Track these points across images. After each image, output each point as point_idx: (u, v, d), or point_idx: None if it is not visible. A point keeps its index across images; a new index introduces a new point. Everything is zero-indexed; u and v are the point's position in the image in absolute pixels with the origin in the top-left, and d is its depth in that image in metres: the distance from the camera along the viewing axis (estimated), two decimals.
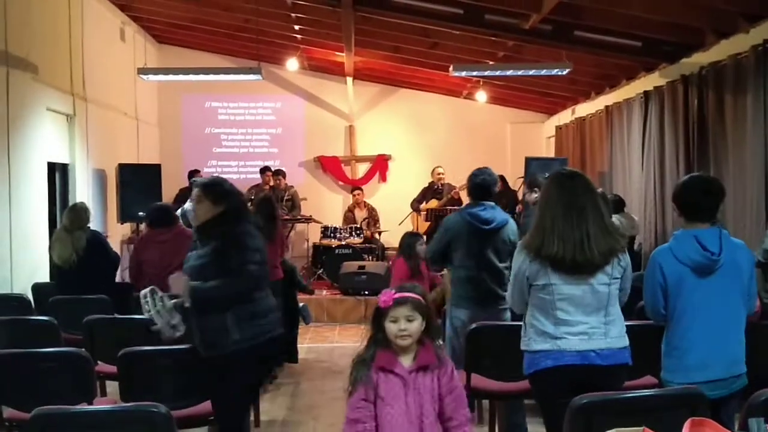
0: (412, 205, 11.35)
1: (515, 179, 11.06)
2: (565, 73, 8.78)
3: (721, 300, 3.33)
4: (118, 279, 6.95)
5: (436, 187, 11.24)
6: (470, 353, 4.44)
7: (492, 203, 4.83)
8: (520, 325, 3.47)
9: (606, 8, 7.32)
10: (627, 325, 3.37)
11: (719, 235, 3.36)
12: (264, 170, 11.47)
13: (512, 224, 4.89)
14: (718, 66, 6.75)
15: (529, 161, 10.29)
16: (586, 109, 10.93)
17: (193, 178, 8.27)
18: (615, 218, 4.38)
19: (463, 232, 4.74)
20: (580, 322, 3.21)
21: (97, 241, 6.19)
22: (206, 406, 4.10)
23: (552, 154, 12.30)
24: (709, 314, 3.33)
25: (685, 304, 3.36)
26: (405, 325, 2.77)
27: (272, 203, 7.01)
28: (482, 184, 4.80)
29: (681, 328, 3.38)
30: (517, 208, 8.88)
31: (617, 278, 3.27)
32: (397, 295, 2.83)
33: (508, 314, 4.80)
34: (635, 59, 8.54)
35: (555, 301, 3.22)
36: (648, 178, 8.35)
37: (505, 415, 4.72)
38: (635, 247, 8.19)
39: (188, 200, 7.61)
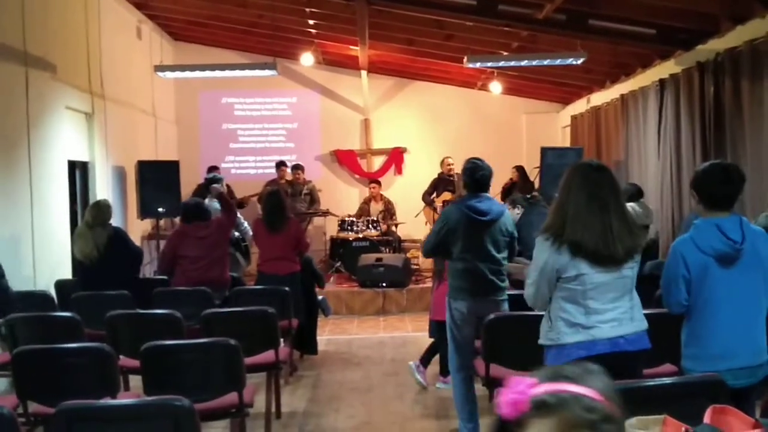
0: (423, 198, 11.24)
1: (531, 169, 11.06)
2: (579, 62, 8.73)
3: (745, 288, 3.31)
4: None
5: (449, 178, 10.95)
6: (489, 343, 4.47)
7: (488, 195, 4.91)
8: (539, 316, 3.43)
9: None
10: (646, 314, 3.36)
11: (740, 223, 3.34)
12: (279, 165, 11.50)
13: (508, 215, 5.01)
14: (735, 52, 6.69)
15: (544, 151, 10.29)
16: (601, 98, 10.88)
17: (212, 174, 8.32)
18: (630, 206, 4.35)
19: (460, 224, 4.78)
20: (608, 309, 3.20)
21: (119, 237, 6.25)
22: (228, 398, 4.16)
23: (567, 144, 12.28)
24: (733, 303, 3.31)
25: (709, 293, 3.33)
26: None
27: (280, 196, 7.03)
28: (481, 180, 4.85)
29: (705, 317, 3.36)
30: None
31: (637, 261, 3.28)
32: (538, 390, 1.18)
33: (507, 305, 4.86)
34: (650, 47, 8.48)
35: (586, 291, 3.17)
36: (664, 167, 8.30)
37: None
38: (652, 235, 8.14)
39: (207, 197, 7.71)
